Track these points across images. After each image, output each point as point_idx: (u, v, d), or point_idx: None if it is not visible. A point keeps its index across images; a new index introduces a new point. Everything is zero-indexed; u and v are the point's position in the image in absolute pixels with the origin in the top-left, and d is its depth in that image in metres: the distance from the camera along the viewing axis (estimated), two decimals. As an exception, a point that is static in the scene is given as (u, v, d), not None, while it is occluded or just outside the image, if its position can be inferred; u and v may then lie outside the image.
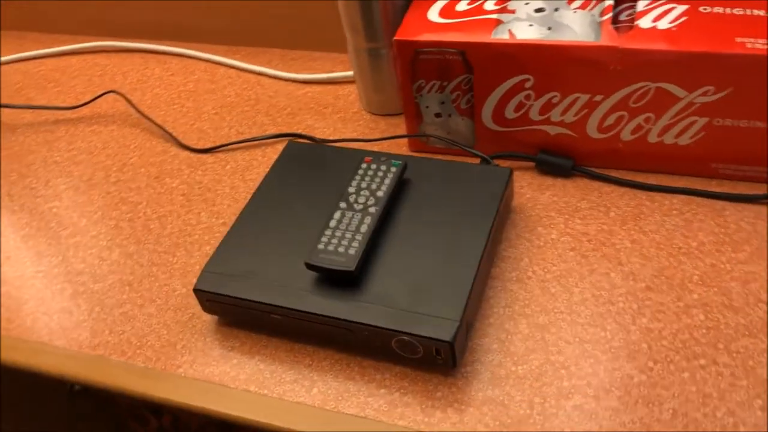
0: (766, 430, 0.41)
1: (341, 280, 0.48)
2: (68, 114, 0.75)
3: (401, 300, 0.46)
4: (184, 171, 0.65)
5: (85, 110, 0.75)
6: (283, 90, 0.73)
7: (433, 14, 0.56)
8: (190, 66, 0.79)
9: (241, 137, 0.68)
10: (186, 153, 0.67)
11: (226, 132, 0.69)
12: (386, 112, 0.67)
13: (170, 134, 0.69)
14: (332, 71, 0.73)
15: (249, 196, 0.61)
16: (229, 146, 0.67)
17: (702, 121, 0.52)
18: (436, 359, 0.45)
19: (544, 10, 0.54)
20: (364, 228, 0.49)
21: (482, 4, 0.56)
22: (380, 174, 0.52)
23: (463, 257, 0.48)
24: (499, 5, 0.56)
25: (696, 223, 0.53)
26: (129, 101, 0.71)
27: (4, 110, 0.76)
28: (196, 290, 0.50)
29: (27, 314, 0.55)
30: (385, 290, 0.47)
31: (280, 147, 0.66)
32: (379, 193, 0.51)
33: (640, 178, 0.57)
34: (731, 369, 0.44)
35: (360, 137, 0.65)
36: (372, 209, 0.50)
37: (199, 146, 0.68)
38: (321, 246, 0.48)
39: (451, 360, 0.45)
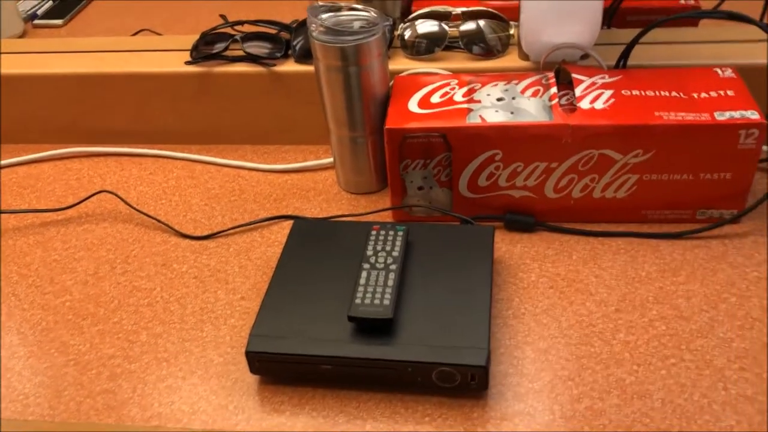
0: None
1: (378, 328, 0.56)
2: (54, 216, 0.78)
3: (432, 338, 0.55)
4: (189, 257, 0.71)
5: (71, 212, 0.79)
6: (263, 179, 0.81)
7: (413, 106, 0.68)
8: (167, 165, 0.85)
9: (236, 223, 0.75)
10: (187, 241, 0.73)
11: (219, 220, 0.76)
12: (364, 191, 0.77)
13: (167, 225, 0.75)
14: (305, 160, 0.83)
15: (258, 273, 0.68)
16: (227, 231, 0.74)
17: (634, 177, 0.66)
18: (470, 384, 0.54)
19: (503, 99, 0.67)
20: (390, 282, 0.58)
21: (452, 96, 0.69)
22: (390, 238, 0.62)
23: (475, 298, 0.58)
24: (466, 97, 0.68)
25: (640, 258, 0.66)
26: (122, 198, 0.76)
27: (-15, 217, 0.79)
28: (248, 353, 0.56)
29: (69, 399, 0.58)
30: (416, 332, 0.56)
31: (276, 228, 0.74)
32: (395, 254, 0.60)
33: (589, 227, 0.70)
34: (695, 363, 0.56)
35: (346, 213, 0.74)
36: (392, 266, 0.59)
37: (198, 234, 0.74)
38: (358, 300, 0.56)
39: (485, 383, 0.54)
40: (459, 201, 0.70)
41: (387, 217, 0.74)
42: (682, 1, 0.84)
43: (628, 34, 0.77)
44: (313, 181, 0.80)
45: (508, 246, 0.69)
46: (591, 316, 0.61)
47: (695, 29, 0.82)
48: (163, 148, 0.87)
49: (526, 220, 0.70)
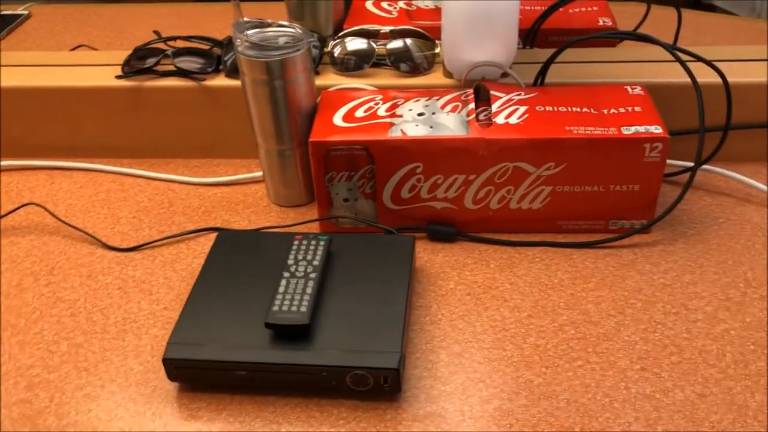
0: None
1: (295, 334, 0.57)
2: (-21, 228, 0.78)
3: (348, 343, 0.56)
4: (115, 268, 0.71)
5: (-3, 224, 0.78)
6: (193, 192, 0.82)
7: (338, 119, 0.70)
8: (98, 178, 0.85)
9: (163, 235, 0.75)
10: (113, 253, 0.73)
11: (147, 232, 0.76)
12: (293, 204, 0.79)
13: (94, 237, 0.75)
14: (236, 174, 0.84)
15: (183, 284, 0.69)
16: (154, 243, 0.74)
17: (548, 189, 0.69)
18: (384, 387, 0.56)
19: (424, 114, 0.70)
20: (309, 290, 0.59)
21: (376, 111, 0.71)
22: (312, 248, 0.63)
23: (392, 304, 0.59)
24: (389, 111, 0.71)
25: (554, 266, 0.69)
26: (49, 211, 0.76)
27: None
28: (165, 360, 0.56)
29: (-17, 410, 0.58)
30: (332, 337, 0.57)
31: (203, 240, 0.74)
32: (315, 263, 0.62)
33: (506, 237, 0.72)
34: (600, 365, 0.59)
35: (274, 225, 0.76)
36: (312, 275, 0.60)
37: (124, 246, 0.74)
38: (275, 308, 0.57)
39: (397, 385, 0.55)
40: (383, 212, 0.72)
41: (314, 228, 0.75)
42: (601, 22, 0.89)
43: (547, 53, 0.80)
44: (243, 194, 0.81)
45: (430, 255, 0.71)
46: (504, 321, 0.63)
47: (612, 49, 0.86)
48: (95, 162, 0.87)
49: (447, 230, 0.72)
